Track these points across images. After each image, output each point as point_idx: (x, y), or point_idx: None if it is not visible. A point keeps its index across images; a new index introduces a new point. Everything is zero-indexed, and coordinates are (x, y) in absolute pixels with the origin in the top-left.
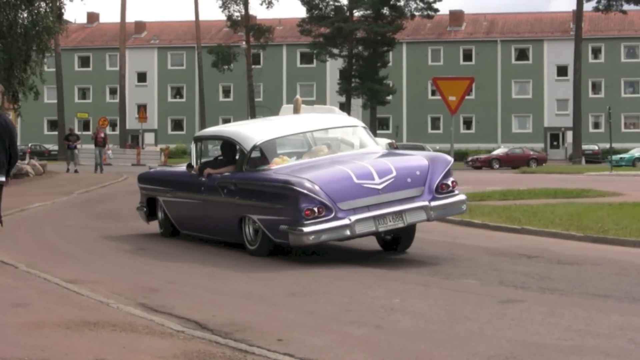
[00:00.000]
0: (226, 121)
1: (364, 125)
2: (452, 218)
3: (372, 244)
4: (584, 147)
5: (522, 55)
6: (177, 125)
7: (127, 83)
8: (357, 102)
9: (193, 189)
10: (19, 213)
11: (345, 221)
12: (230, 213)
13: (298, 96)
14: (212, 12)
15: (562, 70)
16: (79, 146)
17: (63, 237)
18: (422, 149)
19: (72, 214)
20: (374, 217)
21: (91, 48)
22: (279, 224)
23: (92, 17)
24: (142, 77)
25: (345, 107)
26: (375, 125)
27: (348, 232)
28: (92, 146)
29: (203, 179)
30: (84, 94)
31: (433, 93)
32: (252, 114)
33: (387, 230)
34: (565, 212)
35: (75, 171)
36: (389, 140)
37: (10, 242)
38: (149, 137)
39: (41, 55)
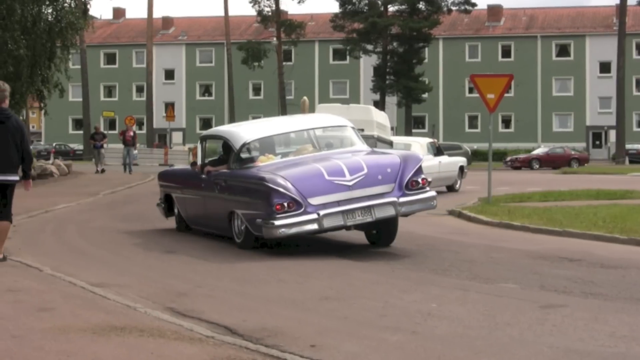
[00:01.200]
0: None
1: (352, 125)
2: (491, 220)
3: (407, 246)
4: (628, 146)
5: (563, 51)
6: (206, 124)
7: (154, 80)
8: (391, 100)
9: (196, 186)
10: (44, 214)
11: (314, 215)
12: (222, 208)
13: (305, 98)
14: (242, 7)
15: (605, 67)
16: (105, 145)
17: (88, 239)
18: (459, 148)
19: (97, 216)
20: (343, 212)
21: (117, 45)
22: (256, 218)
23: (118, 12)
24: (169, 74)
25: (380, 105)
26: (411, 124)
27: (316, 226)
28: (119, 145)
29: (203, 176)
30: (109, 91)
31: (470, 90)
32: (283, 112)
33: (355, 225)
34: (609, 214)
35: (102, 171)
36: (430, 140)
37: (34, 245)
38: (177, 136)
39: (66, 51)
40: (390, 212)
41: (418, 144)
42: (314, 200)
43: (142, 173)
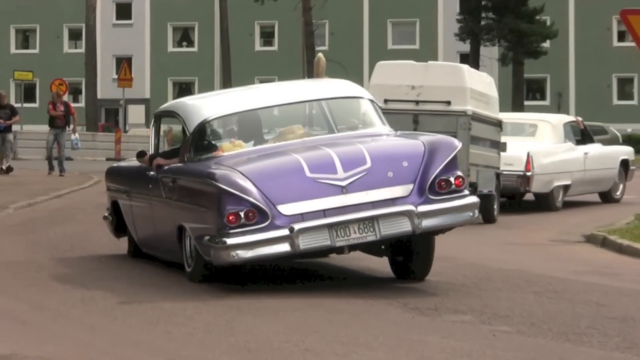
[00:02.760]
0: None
1: (370, 97)
2: None
3: (516, 293)
4: None
5: None
6: (184, 91)
7: (99, 21)
8: (490, 52)
9: (142, 187)
10: None
11: (284, 231)
12: (169, 220)
13: (320, 54)
14: None
15: None
16: (15, 127)
17: None
18: (603, 132)
19: (6, 244)
20: (330, 226)
21: None
22: (204, 235)
23: None
24: (124, 10)
25: (471, 61)
26: (522, 92)
27: (287, 247)
28: (43, 127)
29: (152, 173)
30: (25, 39)
31: (621, 37)
32: (310, 72)
33: (350, 245)
34: None
35: (9, 169)
36: (570, 118)
37: None
38: (137, 113)
39: None
40: (404, 227)
41: (548, 125)
42: (287, 208)
43: (78, 173)
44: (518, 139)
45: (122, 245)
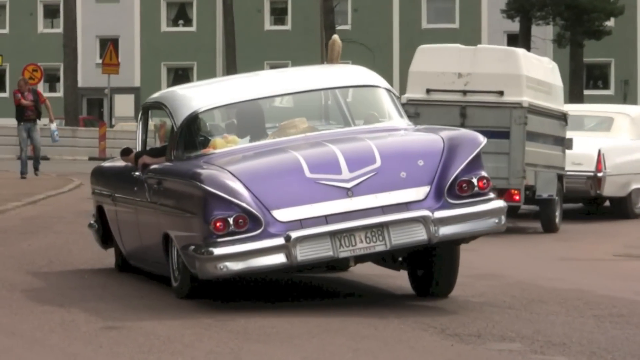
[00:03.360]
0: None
1: (387, 86)
2: None
3: (573, 317)
4: None
5: None
6: (181, 78)
7: None
8: (543, 32)
9: (127, 190)
10: None
11: (279, 240)
12: (154, 228)
13: (335, 36)
14: None
15: None
16: None
17: None
18: None
19: None
20: (332, 234)
21: None
22: (190, 245)
23: None
24: None
25: (522, 43)
26: (582, 78)
27: (283, 259)
28: (10, 121)
29: (137, 174)
30: None
31: None
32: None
33: (357, 257)
34: None
35: None
36: None
37: None
38: (125, 104)
39: None
40: (418, 235)
41: (626, 119)
42: (283, 214)
43: (56, 175)
44: (588, 135)
45: (108, 259)
